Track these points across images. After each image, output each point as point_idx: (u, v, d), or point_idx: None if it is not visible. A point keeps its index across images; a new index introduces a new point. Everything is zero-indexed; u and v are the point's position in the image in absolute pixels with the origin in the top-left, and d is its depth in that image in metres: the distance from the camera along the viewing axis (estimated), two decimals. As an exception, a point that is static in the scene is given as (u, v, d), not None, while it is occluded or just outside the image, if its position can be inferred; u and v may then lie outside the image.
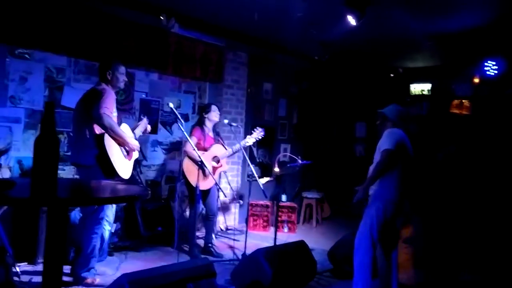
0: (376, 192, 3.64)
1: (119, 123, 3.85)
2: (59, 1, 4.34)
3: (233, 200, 6.43)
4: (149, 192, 1.84)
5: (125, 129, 3.79)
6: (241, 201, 5.75)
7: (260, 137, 5.00)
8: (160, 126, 5.79)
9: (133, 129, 4.08)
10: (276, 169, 5.05)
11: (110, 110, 3.48)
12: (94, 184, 2.26)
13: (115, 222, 4.72)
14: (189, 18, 5.44)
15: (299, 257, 3.83)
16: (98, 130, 3.53)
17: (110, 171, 3.50)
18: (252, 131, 5.04)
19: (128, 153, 3.79)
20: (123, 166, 3.67)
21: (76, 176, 4.21)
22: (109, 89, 3.66)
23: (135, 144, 3.80)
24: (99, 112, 3.39)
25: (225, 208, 6.39)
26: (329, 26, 5.01)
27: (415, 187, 4.64)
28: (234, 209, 6.51)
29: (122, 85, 3.88)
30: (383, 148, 3.59)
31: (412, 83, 7.65)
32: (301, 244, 4.05)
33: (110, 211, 3.88)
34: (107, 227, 3.94)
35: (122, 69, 3.82)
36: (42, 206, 3.47)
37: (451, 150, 6.58)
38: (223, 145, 4.99)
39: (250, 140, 4.93)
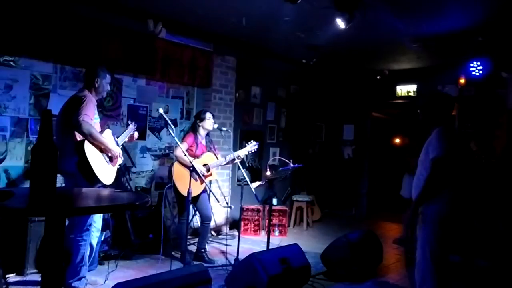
0: (425, 209, 2.98)
1: (105, 129, 3.82)
2: (45, 8, 4.28)
3: (224, 204, 6.37)
4: (149, 199, 1.79)
5: (107, 136, 3.74)
6: (232, 206, 5.71)
7: (253, 150, 5.00)
8: (148, 132, 5.74)
9: (118, 136, 4.03)
10: (268, 173, 5.02)
11: (89, 116, 3.46)
12: (90, 192, 2.22)
13: (104, 230, 4.65)
14: (176, 23, 5.42)
15: (294, 261, 3.81)
16: (79, 137, 3.50)
17: (92, 178, 3.47)
18: (246, 144, 5.02)
19: (111, 159, 3.74)
20: (105, 173, 3.62)
21: (63, 184, 4.14)
22: (90, 95, 3.63)
23: (116, 150, 3.75)
24: (78, 119, 3.38)
25: (215, 213, 6.33)
26: (317, 30, 5.03)
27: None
28: (225, 214, 6.47)
29: (105, 94, 3.87)
30: (433, 155, 2.87)
31: (398, 84, 7.72)
32: (295, 248, 4.04)
33: (98, 217, 3.82)
34: (96, 234, 3.87)
35: (109, 78, 3.81)
36: (41, 216, 3.51)
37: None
38: (215, 154, 4.96)
39: (242, 153, 4.92)
